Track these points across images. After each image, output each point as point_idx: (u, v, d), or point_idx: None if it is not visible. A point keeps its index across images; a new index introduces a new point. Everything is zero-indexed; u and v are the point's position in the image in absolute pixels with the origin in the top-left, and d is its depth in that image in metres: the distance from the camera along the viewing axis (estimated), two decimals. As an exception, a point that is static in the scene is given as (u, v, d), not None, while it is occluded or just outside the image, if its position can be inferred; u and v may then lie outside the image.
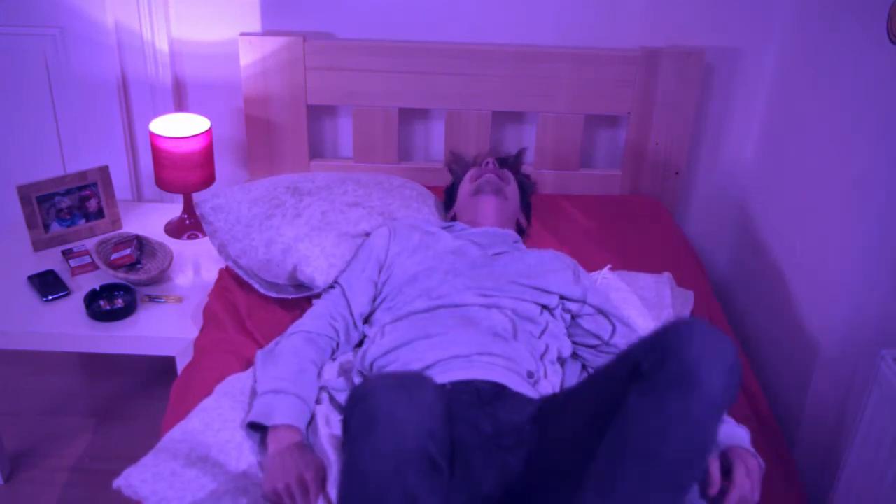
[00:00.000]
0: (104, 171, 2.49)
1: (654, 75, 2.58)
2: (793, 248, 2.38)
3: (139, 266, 2.40)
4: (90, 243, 2.47)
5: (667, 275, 2.30)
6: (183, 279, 2.39)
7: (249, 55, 2.57)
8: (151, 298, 2.29)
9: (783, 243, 2.46)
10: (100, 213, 2.53)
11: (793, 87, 2.50)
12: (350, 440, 1.35)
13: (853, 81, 2.12)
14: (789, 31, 2.53)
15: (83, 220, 2.51)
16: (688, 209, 2.89)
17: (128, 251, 2.37)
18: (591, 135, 2.77)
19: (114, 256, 2.37)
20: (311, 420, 1.73)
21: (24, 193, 2.37)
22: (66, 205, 2.47)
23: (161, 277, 2.35)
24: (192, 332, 2.15)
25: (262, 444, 1.68)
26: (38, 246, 2.45)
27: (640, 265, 2.34)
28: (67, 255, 2.41)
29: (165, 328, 2.20)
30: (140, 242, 2.44)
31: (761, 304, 2.61)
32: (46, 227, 2.45)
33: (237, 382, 1.85)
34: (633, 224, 2.58)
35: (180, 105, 2.73)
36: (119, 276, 2.30)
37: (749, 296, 2.73)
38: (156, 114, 2.65)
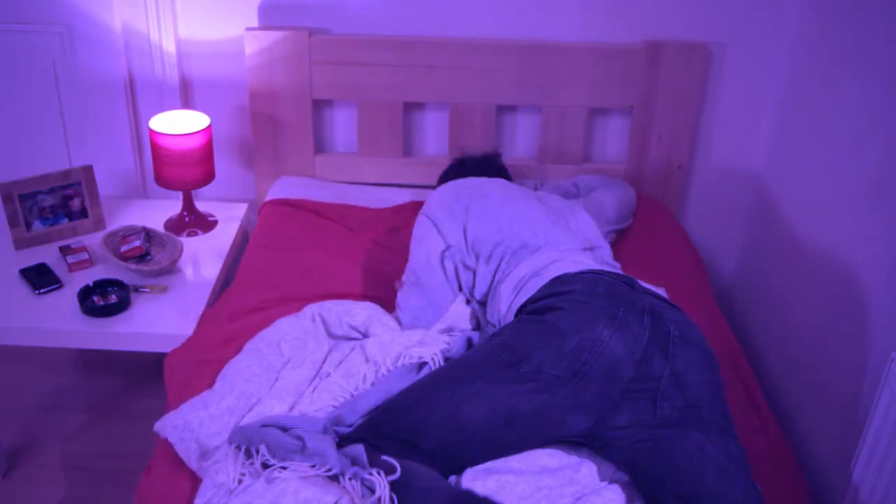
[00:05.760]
0: (88, 170, 2.45)
1: (658, 69, 2.54)
2: (802, 248, 2.33)
3: (149, 257, 2.39)
4: (90, 239, 2.46)
5: None
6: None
7: (254, 50, 2.54)
8: (137, 289, 2.27)
9: (792, 243, 2.41)
10: (83, 213, 2.48)
11: (803, 83, 2.44)
12: None
13: (867, 78, 2.07)
14: (800, 25, 2.48)
15: (66, 220, 2.46)
16: (690, 204, 2.84)
17: (137, 242, 2.37)
18: (595, 129, 2.73)
19: (123, 248, 2.36)
20: None
21: (6, 191, 2.33)
22: (49, 203, 2.42)
23: (173, 268, 2.35)
24: (187, 328, 2.14)
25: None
26: (19, 244, 2.40)
27: (639, 263, 2.27)
28: (65, 251, 2.39)
29: (159, 324, 2.18)
30: (148, 234, 2.44)
31: (768, 305, 2.56)
32: (28, 225, 2.41)
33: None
34: (634, 222, 2.52)
35: (187, 104, 2.71)
36: (130, 268, 2.30)
37: (754, 295, 2.69)
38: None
